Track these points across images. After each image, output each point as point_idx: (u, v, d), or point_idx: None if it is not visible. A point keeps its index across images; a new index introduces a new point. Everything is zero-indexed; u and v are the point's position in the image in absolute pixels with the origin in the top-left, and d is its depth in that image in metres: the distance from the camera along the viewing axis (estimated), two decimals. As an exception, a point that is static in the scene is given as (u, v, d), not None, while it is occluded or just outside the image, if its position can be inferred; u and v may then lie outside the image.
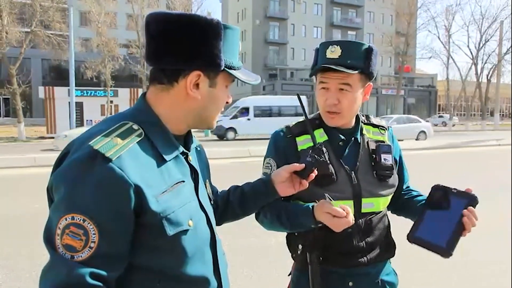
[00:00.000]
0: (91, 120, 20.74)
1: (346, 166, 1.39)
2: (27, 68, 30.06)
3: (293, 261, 1.50)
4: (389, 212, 1.56)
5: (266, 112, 22.07)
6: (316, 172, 1.20)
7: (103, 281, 0.84)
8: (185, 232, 0.96)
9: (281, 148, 1.44)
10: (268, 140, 1.51)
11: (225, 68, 0.99)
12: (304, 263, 1.40)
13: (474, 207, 1.25)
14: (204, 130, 16.97)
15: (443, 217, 1.27)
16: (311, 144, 1.35)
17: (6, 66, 20.78)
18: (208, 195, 1.14)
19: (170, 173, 0.97)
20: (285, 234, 1.50)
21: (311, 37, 50.16)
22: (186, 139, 1.08)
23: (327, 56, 1.35)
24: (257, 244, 4.41)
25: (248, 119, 21.37)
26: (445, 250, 1.21)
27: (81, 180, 0.84)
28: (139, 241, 0.91)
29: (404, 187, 1.58)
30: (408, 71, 49.58)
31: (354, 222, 1.22)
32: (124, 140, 0.90)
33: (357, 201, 1.37)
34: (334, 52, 1.34)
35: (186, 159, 1.05)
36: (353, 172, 1.39)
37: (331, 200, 1.22)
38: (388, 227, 1.49)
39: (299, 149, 1.41)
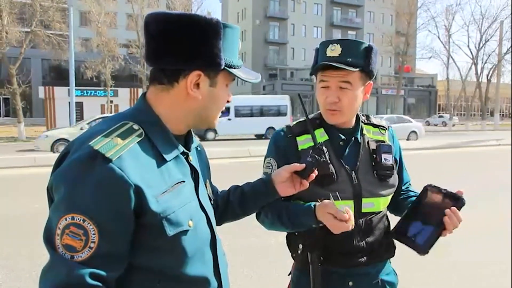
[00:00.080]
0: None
1: (346, 166, 1.39)
2: (27, 68, 30.05)
3: (293, 261, 1.50)
4: (388, 212, 1.56)
5: (247, 112, 21.52)
6: (316, 172, 1.20)
7: (103, 281, 0.84)
8: (185, 232, 0.96)
9: (282, 148, 1.44)
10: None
11: (225, 67, 0.99)
12: (304, 263, 1.40)
13: (459, 208, 1.26)
14: None
15: (427, 215, 1.30)
16: (312, 144, 1.35)
17: (6, 66, 20.78)
18: (209, 195, 1.14)
19: (171, 173, 0.96)
20: (285, 234, 1.50)
21: (311, 37, 50.16)
22: (186, 139, 1.08)
23: (327, 55, 1.36)
24: (257, 244, 4.41)
25: (229, 119, 20.61)
26: (422, 248, 1.25)
27: (81, 180, 0.84)
28: (139, 241, 0.91)
29: (403, 188, 1.58)
30: (408, 71, 49.58)
31: (353, 226, 1.22)
32: (125, 141, 0.90)
33: (357, 201, 1.37)
34: (334, 51, 1.34)
35: (187, 158, 1.05)
36: (353, 171, 1.39)
37: (339, 198, 1.22)
38: (388, 227, 1.49)
39: (299, 149, 1.41)
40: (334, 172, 1.34)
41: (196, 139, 1.15)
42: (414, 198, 1.48)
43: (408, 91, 50.89)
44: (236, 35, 1.02)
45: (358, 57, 1.34)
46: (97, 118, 14.71)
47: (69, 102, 17.85)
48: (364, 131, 1.47)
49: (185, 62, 0.96)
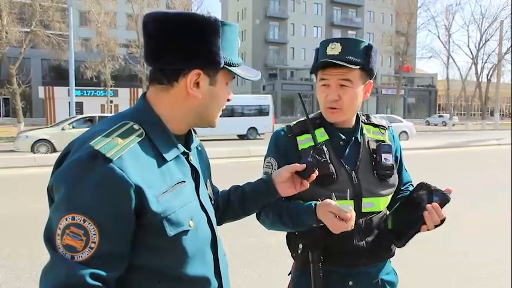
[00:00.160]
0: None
1: (346, 166, 1.39)
2: (27, 68, 30.04)
3: (293, 261, 1.50)
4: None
5: (228, 111, 20.77)
6: (317, 172, 1.20)
7: (103, 281, 0.84)
8: (185, 232, 0.95)
9: (282, 147, 1.44)
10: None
11: (225, 66, 0.98)
12: (304, 263, 1.40)
13: (443, 205, 1.28)
14: None
15: (413, 211, 1.33)
16: (312, 143, 1.35)
17: (6, 66, 20.77)
18: (209, 195, 1.14)
19: (171, 173, 0.96)
20: (285, 233, 1.50)
21: (311, 37, 50.16)
22: (187, 139, 1.08)
23: (327, 53, 1.36)
24: (257, 244, 4.41)
25: None
26: (400, 240, 1.33)
27: (81, 180, 0.84)
28: (140, 241, 0.91)
29: (402, 188, 1.58)
30: (408, 71, 49.59)
31: (353, 227, 1.22)
32: (125, 141, 0.90)
33: (357, 201, 1.37)
34: (334, 49, 1.35)
35: (187, 158, 1.05)
36: (353, 171, 1.39)
37: (335, 200, 1.23)
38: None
39: (299, 148, 1.41)
40: (334, 171, 1.34)
41: (196, 139, 1.15)
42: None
43: (408, 91, 50.89)
44: (234, 33, 1.02)
45: (358, 55, 1.34)
46: (79, 118, 14.28)
47: (69, 102, 17.84)
48: (364, 131, 1.47)
49: (184, 61, 0.96)
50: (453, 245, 4.44)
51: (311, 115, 1.46)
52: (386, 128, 1.53)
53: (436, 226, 1.31)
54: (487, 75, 39.65)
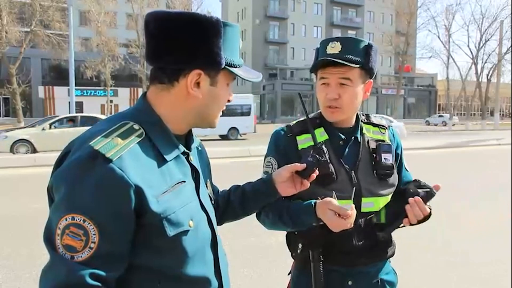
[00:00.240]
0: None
1: (346, 165, 1.39)
2: (27, 68, 30.05)
3: (293, 260, 1.50)
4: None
5: None
6: (317, 171, 1.20)
7: (103, 281, 0.83)
8: (185, 232, 0.95)
9: (282, 147, 1.44)
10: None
11: (226, 67, 0.98)
12: (303, 262, 1.40)
13: (427, 200, 1.30)
14: None
15: (400, 205, 1.35)
16: (312, 143, 1.35)
17: (6, 66, 20.79)
18: (209, 195, 1.14)
19: (171, 173, 0.96)
20: (285, 233, 1.50)
21: (311, 37, 50.18)
22: (187, 139, 1.08)
23: (327, 52, 1.36)
24: (257, 243, 4.41)
25: None
26: (382, 231, 1.38)
27: (81, 180, 0.84)
28: (140, 241, 0.91)
29: (402, 187, 1.58)
30: (408, 71, 49.60)
31: (352, 225, 1.22)
32: (125, 141, 0.90)
33: (357, 200, 1.36)
34: (334, 48, 1.35)
35: (187, 158, 1.05)
36: (353, 171, 1.39)
37: (336, 198, 1.23)
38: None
39: (299, 148, 1.41)
40: (333, 171, 1.34)
41: (197, 139, 1.14)
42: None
43: (408, 91, 50.91)
44: (236, 34, 1.02)
45: (358, 54, 1.34)
46: (61, 118, 13.80)
47: (69, 102, 17.84)
48: (364, 131, 1.47)
49: (185, 61, 0.95)
50: (453, 245, 4.44)
51: (311, 115, 1.46)
52: (386, 128, 1.53)
53: (420, 222, 1.32)
54: (487, 75, 39.69)
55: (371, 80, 1.44)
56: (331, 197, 1.24)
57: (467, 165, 11.45)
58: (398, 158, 1.53)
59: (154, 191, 0.89)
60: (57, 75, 35.70)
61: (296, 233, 1.42)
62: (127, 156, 0.87)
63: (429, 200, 1.31)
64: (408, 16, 34.11)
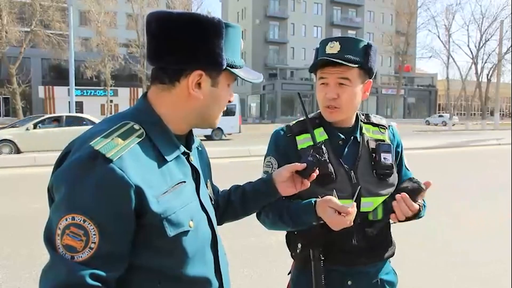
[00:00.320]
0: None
1: (345, 165, 1.39)
2: (27, 68, 30.06)
3: (293, 260, 1.50)
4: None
5: None
6: (317, 171, 1.20)
7: (103, 281, 0.83)
8: (186, 233, 0.95)
9: (282, 147, 1.45)
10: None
11: (227, 67, 0.98)
12: (303, 262, 1.40)
13: (415, 195, 1.29)
14: None
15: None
16: (311, 143, 1.35)
17: (6, 66, 20.81)
18: (209, 195, 1.14)
19: (171, 173, 0.96)
20: (285, 233, 1.50)
21: (311, 37, 50.17)
22: (187, 139, 1.08)
23: (326, 52, 1.36)
24: (257, 244, 4.41)
25: None
26: (372, 228, 1.38)
27: (81, 180, 0.84)
28: (140, 242, 0.91)
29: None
30: (408, 70, 49.61)
31: (352, 223, 1.22)
32: (125, 141, 0.90)
33: (356, 200, 1.36)
34: (333, 48, 1.35)
35: (188, 158, 1.05)
36: (352, 171, 1.39)
37: (336, 197, 1.23)
38: (388, 226, 1.49)
39: (299, 148, 1.42)
40: (333, 171, 1.34)
41: (197, 139, 1.15)
42: None
43: (408, 90, 50.89)
44: (238, 35, 1.02)
45: (357, 54, 1.34)
46: (45, 119, 13.54)
47: (69, 102, 17.84)
48: (364, 131, 1.47)
49: (186, 61, 0.95)
50: (453, 245, 4.44)
51: (310, 115, 1.46)
52: (386, 128, 1.53)
53: (409, 219, 1.32)
54: (487, 75, 39.72)
55: (371, 80, 1.44)
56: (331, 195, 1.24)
57: (467, 164, 11.45)
58: (398, 156, 1.52)
59: (154, 191, 0.89)
60: (57, 75, 35.69)
61: (295, 232, 1.42)
62: (128, 156, 0.87)
63: (417, 196, 1.30)
64: (408, 16, 34.15)
